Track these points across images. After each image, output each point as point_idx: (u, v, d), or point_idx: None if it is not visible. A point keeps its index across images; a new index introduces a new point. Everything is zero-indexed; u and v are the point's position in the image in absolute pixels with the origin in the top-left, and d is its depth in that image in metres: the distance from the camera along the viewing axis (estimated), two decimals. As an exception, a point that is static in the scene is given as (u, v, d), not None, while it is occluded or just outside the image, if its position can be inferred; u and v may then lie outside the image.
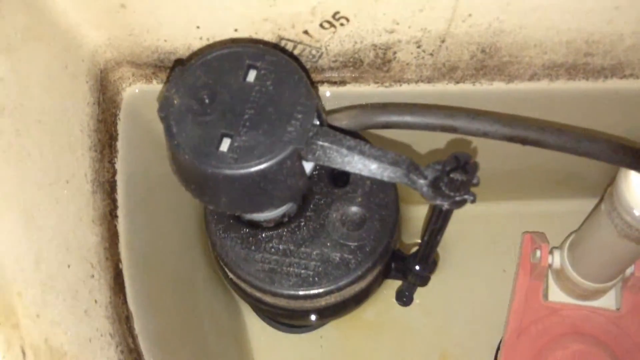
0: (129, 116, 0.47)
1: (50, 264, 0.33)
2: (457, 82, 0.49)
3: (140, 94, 0.48)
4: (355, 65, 0.47)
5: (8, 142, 0.33)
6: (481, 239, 0.66)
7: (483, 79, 0.48)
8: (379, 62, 0.47)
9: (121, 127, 0.47)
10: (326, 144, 0.34)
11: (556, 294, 0.62)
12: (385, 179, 0.34)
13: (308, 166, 0.35)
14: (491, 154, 0.53)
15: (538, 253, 0.60)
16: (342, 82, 0.49)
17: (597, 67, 0.47)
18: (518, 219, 0.65)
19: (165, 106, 0.34)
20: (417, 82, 0.48)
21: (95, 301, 0.37)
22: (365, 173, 0.34)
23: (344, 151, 0.34)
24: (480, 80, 0.49)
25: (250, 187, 0.33)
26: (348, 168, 0.34)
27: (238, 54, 0.35)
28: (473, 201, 0.34)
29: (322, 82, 0.48)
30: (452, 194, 0.34)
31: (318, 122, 0.35)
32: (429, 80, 0.48)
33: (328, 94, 0.48)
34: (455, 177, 0.33)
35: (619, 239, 0.50)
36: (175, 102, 0.34)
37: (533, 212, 0.66)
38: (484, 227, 0.66)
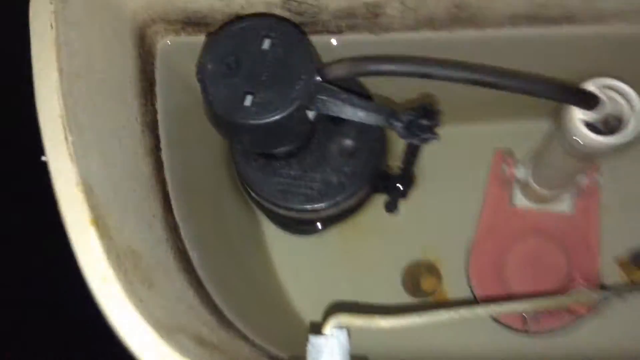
0: (163, 64, 0.56)
1: (123, 191, 0.44)
2: (436, 30, 0.57)
3: (171, 45, 0.57)
4: (349, 19, 0.55)
5: (85, 100, 0.43)
6: (456, 155, 0.72)
7: (457, 27, 0.57)
8: (370, 16, 0.55)
9: (158, 74, 0.56)
10: (324, 98, 0.44)
11: (520, 200, 0.71)
12: (371, 122, 0.45)
13: (311, 114, 0.45)
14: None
15: (505, 166, 0.69)
16: (339, 31, 0.57)
17: (551, 17, 0.56)
18: (489, 137, 0.72)
19: (200, 71, 0.44)
20: (402, 31, 0.57)
21: (154, 216, 0.48)
22: (355, 119, 0.44)
23: (339, 103, 0.44)
24: (455, 28, 0.57)
25: (267, 132, 0.44)
26: (342, 115, 0.45)
27: (255, 26, 0.45)
28: (437, 139, 0.45)
29: (322, 31, 0.57)
30: (421, 134, 0.44)
31: (319, 78, 0.45)
32: (413, 29, 0.57)
33: (334, 42, 0.57)
34: (423, 122, 0.43)
35: (566, 156, 0.59)
36: (209, 67, 0.44)
37: (502, 131, 0.72)
38: (458, 145, 0.71)
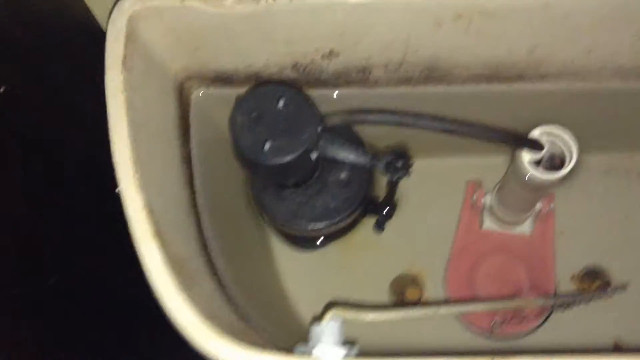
0: (196, 110, 0.69)
1: (171, 213, 0.58)
2: (414, 86, 0.71)
3: (202, 95, 0.70)
4: (345, 77, 0.69)
5: (144, 143, 0.56)
6: (435, 184, 0.83)
7: (430, 84, 0.71)
8: (360, 76, 0.69)
9: (192, 118, 0.69)
10: (324, 144, 0.58)
11: (488, 224, 0.82)
12: (359, 163, 0.59)
13: (314, 155, 0.59)
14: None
15: (475, 195, 0.81)
16: (337, 86, 0.72)
17: (505, 76, 0.70)
18: (462, 170, 0.83)
19: (232, 123, 0.58)
20: (386, 86, 0.71)
21: (190, 232, 0.62)
22: (347, 161, 0.58)
23: (335, 148, 0.58)
24: (428, 84, 0.71)
25: (280, 169, 0.57)
26: (337, 157, 0.59)
27: (273, 89, 0.59)
28: (409, 176, 0.59)
29: (324, 86, 0.71)
30: (396, 172, 0.58)
31: (320, 128, 0.59)
32: (395, 85, 0.70)
33: (333, 95, 0.71)
34: (398, 164, 0.57)
35: (522, 189, 0.70)
36: (238, 120, 0.58)
37: (473, 164, 0.83)
38: (437, 176, 0.83)
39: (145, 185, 0.53)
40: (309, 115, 0.57)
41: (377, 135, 0.72)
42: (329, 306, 0.63)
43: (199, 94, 0.70)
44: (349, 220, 0.68)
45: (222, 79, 0.69)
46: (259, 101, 0.58)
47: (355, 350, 0.50)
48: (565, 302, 0.79)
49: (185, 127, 0.68)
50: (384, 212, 0.72)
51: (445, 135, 0.63)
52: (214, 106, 0.70)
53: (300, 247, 0.81)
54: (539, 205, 0.82)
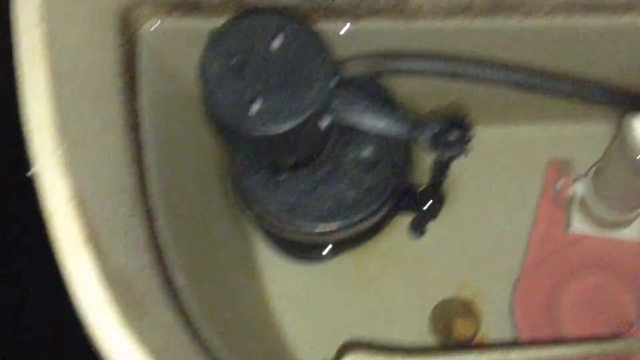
0: (147, 52, 0.68)
1: (111, 205, 0.57)
2: (473, 18, 0.69)
3: (157, 29, 0.68)
4: (370, 4, 0.68)
5: (74, 102, 0.55)
6: (502, 167, 0.83)
7: (498, 15, 0.69)
8: (393, 2, 0.68)
9: (141, 64, 0.67)
10: (340, 105, 0.58)
11: (579, 225, 0.82)
12: (391, 134, 0.58)
13: (324, 122, 0.59)
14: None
15: (560, 183, 0.80)
16: (357, 17, 0.70)
17: (611, 4, 0.69)
18: (541, 144, 0.83)
19: (203, 72, 0.57)
20: (432, 18, 0.69)
21: (139, 235, 0.62)
22: (374, 131, 0.58)
23: (356, 112, 0.58)
24: (496, 16, 0.69)
25: (274, 143, 0.57)
26: (360, 127, 0.58)
27: (264, 21, 0.58)
28: (466, 155, 0.58)
29: (337, 17, 0.70)
30: (447, 148, 0.58)
31: (335, 82, 0.58)
32: (444, 16, 0.69)
33: (349, 30, 0.69)
34: (450, 136, 0.57)
35: (633, 174, 0.69)
36: (212, 67, 0.57)
37: (559, 136, 0.84)
38: (505, 154, 0.83)
39: (74, 165, 0.52)
40: (318, 61, 0.57)
41: (419, 93, 0.72)
42: (345, 348, 0.63)
43: (151, 27, 0.69)
44: (373, 220, 0.67)
45: (187, 4, 0.68)
46: (244, 39, 0.57)
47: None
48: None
49: (131, 77, 0.67)
50: (426, 209, 0.71)
51: (521, 93, 0.63)
52: (175, 46, 0.70)
53: (299, 258, 0.82)
54: (657, 199, 0.82)
